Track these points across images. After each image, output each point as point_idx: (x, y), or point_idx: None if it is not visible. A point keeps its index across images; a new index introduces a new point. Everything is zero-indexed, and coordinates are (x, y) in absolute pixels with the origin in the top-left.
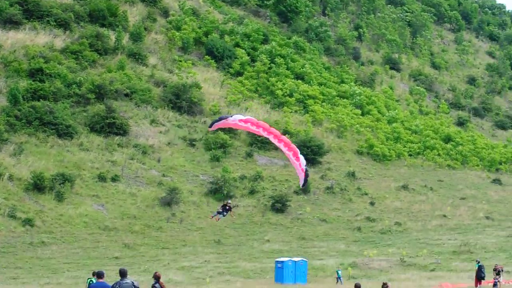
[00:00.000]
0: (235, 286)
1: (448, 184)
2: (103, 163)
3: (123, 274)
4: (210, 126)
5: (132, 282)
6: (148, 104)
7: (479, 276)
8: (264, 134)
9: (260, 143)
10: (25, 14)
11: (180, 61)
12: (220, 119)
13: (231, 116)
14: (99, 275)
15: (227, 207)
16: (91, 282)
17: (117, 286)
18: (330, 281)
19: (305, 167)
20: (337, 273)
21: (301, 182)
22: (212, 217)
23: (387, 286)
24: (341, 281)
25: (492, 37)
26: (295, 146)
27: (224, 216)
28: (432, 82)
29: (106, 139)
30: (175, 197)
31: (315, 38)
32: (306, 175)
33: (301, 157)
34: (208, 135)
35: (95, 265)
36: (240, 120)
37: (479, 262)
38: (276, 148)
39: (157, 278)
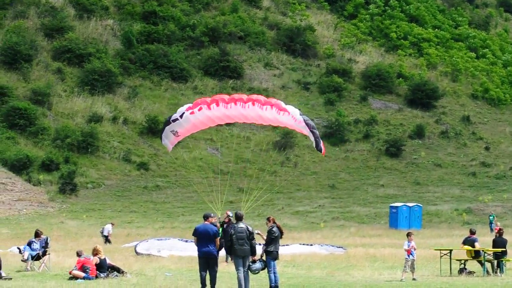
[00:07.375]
0: (349, 231)
1: None
2: None
3: (239, 218)
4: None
5: (247, 226)
6: (262, 47)
7: None
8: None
9: (374, 87)
10: None
11: (294, 3)
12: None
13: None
14: (206, 217)
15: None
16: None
17: (231, 230)
18: (444, 227)
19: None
20: (489, 219)
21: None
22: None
23: (502, 232)
24: (491, 228)
25: None
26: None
27: None
28: None
29: (221, 82)
30: (290, 141)
31: None
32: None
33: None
34: (322, 78)
35: (210, 209)
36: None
37: None
38: (391, 92)
39: (273, 221)
